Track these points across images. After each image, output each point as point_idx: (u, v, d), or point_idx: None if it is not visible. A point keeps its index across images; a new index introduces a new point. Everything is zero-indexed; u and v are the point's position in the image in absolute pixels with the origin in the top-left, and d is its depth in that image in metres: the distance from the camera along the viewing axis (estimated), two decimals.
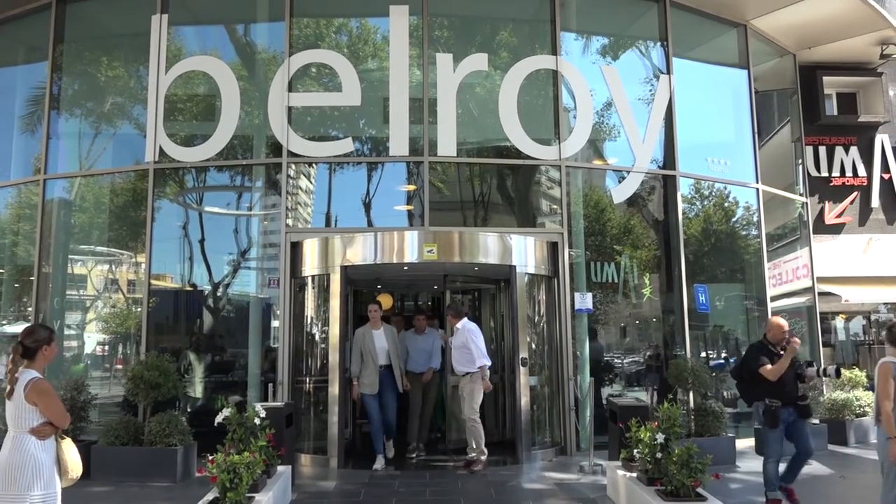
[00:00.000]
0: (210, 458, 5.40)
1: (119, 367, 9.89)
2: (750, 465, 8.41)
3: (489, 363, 8.15)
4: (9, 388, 4.00)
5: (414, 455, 8.76)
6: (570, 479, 7.69)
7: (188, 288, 9.93)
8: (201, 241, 9.89)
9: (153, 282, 9.61)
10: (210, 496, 5.47)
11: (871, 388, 10.65)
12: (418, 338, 8.99)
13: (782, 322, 6.59)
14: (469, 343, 8.01)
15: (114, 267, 10.32)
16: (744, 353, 7.00)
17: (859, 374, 10.85)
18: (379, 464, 8.14)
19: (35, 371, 4.04)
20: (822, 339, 12.55)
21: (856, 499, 6.96)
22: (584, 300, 9.47)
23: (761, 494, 7.03)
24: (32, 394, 3.92)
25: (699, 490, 5.51)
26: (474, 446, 8.10)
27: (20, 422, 3.95)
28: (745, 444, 9.37)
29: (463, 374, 8.11)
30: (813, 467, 8.40)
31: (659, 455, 5.77)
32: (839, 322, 14.99)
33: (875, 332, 14.98)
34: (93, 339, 10.21)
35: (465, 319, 8.31)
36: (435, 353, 8.96)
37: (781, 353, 6.36)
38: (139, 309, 9.52)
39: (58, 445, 4.07)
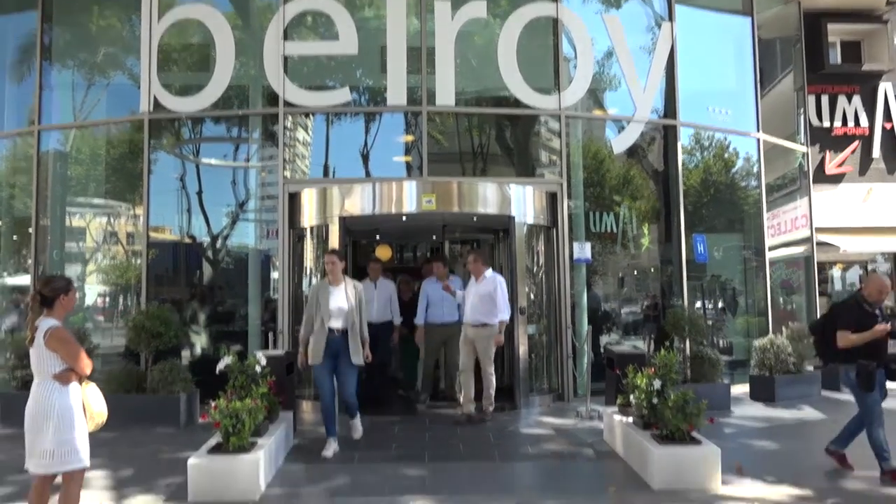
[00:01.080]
0: (213, 404, 5.49)
1: (100, 318, 9.98)
2: (744, 411, 8.57)
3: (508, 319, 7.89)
4: (29, 335, 4.11)
5: (425, 404, 8.63)
6: (567, 425, 7.81)
7: (187, 240, 9.94)
8: (199, 193, 9.87)
9: (152, 234, 9.61)
10: (213, 441, 5.58)
11: None
12: (441, 286, 8.49)
13: (886, 281, 5.97)
14: (496, 293, 7.63)
15: (112, 219, 10.31)
16: (832, 307, 6.30)
17: None
18: (329, 450, 6.48)
19: (54, 319, 4.13)
20: (818, 289, 12.63)
21: None
22: (583, 250, 9.50)
23: (754, 438, 7.20)
24: (52, 341, 4.02)
25: (694, 434, 5.61)
26: (463, 397, 7.97)
27: (43, 368, 4.06)
28: (741, 390, 9.51)
29: (480, 324, 7.68)
30: (805, 412, 8.55)
31: (655, 401, 5.86)
32: (836, 272, 15.06)
33: None
34: (93, 291, 10.27)
35: (491, 269, 7.99)
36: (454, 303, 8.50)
37: (877, 313, 5.75)
38: (139, 261, 9.54)
39: (83, 391, 4.17)
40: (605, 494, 5.12)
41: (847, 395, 9.69)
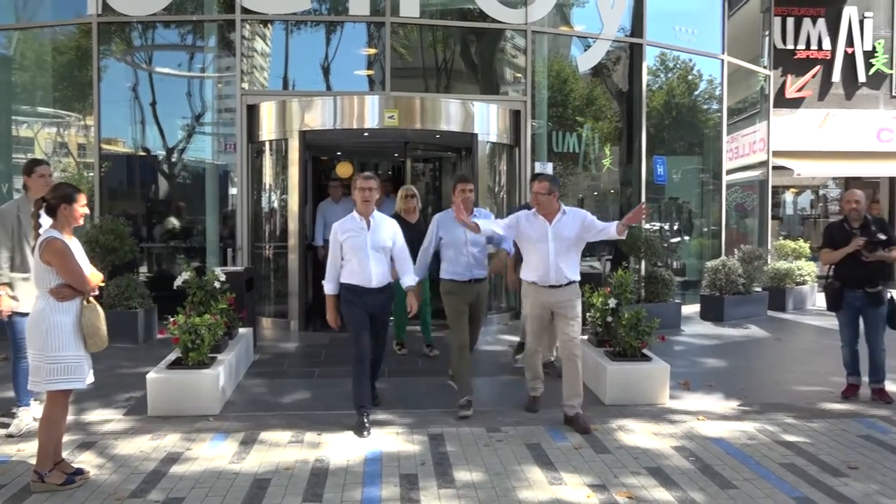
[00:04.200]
0: (172, 320, 5.47)
1: None
2: (694, 329, 8.88)
3: None
4: (33, 243, 3.86)
5: (470, 412, 5.25)
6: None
7: (141, 153, 9.68)
8: (153, 104, 9.52)
9: (104, 146, 9.32)
10: (172, 356, 5.59)
11: (813, 258, 11.14)
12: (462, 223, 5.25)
13: (849, 193, 5.78)
14: (592, 224, 5.11)
15: (61, 129, 9.93)
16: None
17: (803, 245, 11.31)
18: None
19: (56, 231, 3.83)
20: (771, 213, 12.95)
21: (789, 359, 7.44)
22: (545, 170, 9.49)
23: (702, 356, 7.50)
24: (45, 253, 3.75)
25: (645, 351, 5.82)
26: (533, 379, 5.51)
27: (39, 281, 3.83)
28: (691, 309, 9.83)
29: (567, 282, 5.14)
30: (751, 331, 8.91)
31: (609, 319, 6.03)
32: (789, 196, 15.42)
33: (822, 206, 15.49)
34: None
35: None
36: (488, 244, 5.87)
37: (854, 230, 5.62)
38: (90, 174, 9.27)
39: (81, 310, 3.89)
40: (557, 408, 5.30)
41: (791, 315, 10.17)
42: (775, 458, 4.38)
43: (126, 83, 9.51)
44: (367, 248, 4.96)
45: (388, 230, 5.12)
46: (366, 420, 4.87)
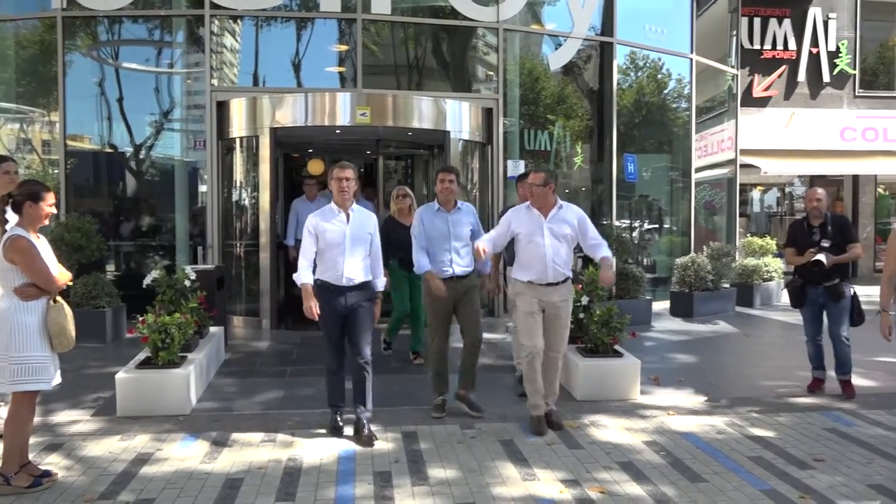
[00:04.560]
0: (141, 318, 5.39)
1: None
2: (664, 325, 8.99)
3: None
4: None
5: (443, 414, 5.15)
6: (496, 339, 8.04)
7: (108, 149, 9.51)
8: (120, 100, 9.37)
9: (69, 142, 9.15)
10: (142, 355, 5.51)
11: (779, 255, 11.35)
12: (448, 217, 5.29)
13: (811, 192, 5.86)
14: (587, 228, 5.00)
15: (25, 126, 9.72)
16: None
17: (770, 242, 11.51)
18: None
19: (21, 229, 3.74)
20: (738, 210, 13.16)
21: (757, 354, 7.56)
22: (517, 168, 9.54)
23: (672, 352, 7.61)
24: (9, 251, 3.67)
25: (616, 347, 5.87)
26: (534, 390, 4.97)
27: (3, 280, 3.74)
28: (661, 306, 9.96)
29: (564, 279, 4.98)
30: (719, 327, 9.04)
31: (581, 316, 6.06)
32: (756, 194, 15.68)
33: (788, 203, 15.78)
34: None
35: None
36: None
37: (815, 231, 5.75)
38: (56, 171, 9.10)
39: (48, 309, 3.80)
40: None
41: (759, 311, 10.34)
42: (743, 452, 4.45)
43: (92, 79, 9.34)
44: (346, 242, 4.62)
45: (368, 225, 4.79)
46: (339, 419, 4.81)
